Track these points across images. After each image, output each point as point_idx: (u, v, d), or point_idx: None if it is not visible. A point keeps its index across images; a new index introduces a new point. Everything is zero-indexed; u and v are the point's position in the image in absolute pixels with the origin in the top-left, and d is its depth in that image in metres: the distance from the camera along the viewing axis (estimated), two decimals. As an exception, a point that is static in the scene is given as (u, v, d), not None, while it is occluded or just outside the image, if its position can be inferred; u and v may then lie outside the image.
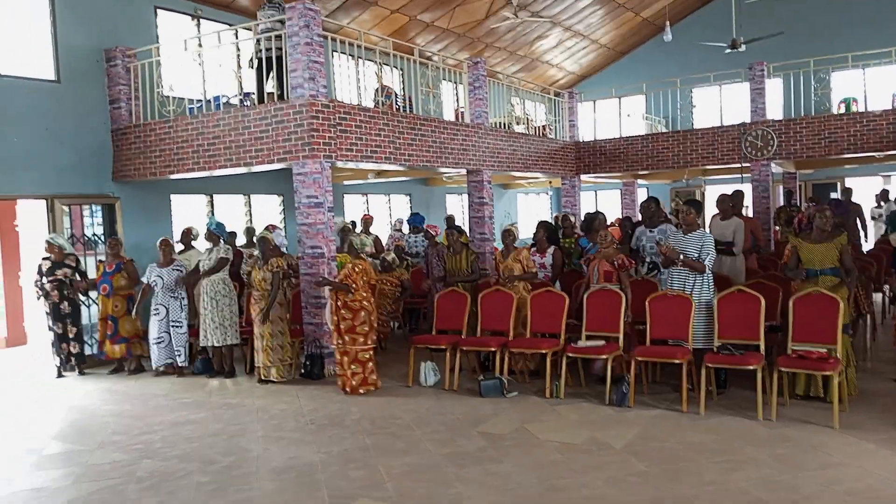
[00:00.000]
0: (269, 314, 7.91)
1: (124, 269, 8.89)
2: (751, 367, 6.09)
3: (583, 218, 12.45)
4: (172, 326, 8.60)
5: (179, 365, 8.64)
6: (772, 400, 6.02)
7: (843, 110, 14.76)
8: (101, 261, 9.24)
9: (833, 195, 18.25)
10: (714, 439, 5.58)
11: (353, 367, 7.42)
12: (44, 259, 8.82)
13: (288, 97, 8.58)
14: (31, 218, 10.68)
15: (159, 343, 8.65)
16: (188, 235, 9.00)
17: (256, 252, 8.50)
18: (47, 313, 8.77)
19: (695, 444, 5.50)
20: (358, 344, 7.41)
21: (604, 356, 6.76)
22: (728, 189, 10.53)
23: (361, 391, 7.40)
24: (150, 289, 8.64)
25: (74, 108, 9.75)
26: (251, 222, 12.40)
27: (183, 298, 8.67)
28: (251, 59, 9.60)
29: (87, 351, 9.19)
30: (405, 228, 12.77)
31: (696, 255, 6.70)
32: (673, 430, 5.84)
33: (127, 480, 5.25)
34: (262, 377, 8.01)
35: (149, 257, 9.27)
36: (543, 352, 7.11)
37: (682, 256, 6.68)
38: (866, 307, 8.12)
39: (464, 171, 11.89)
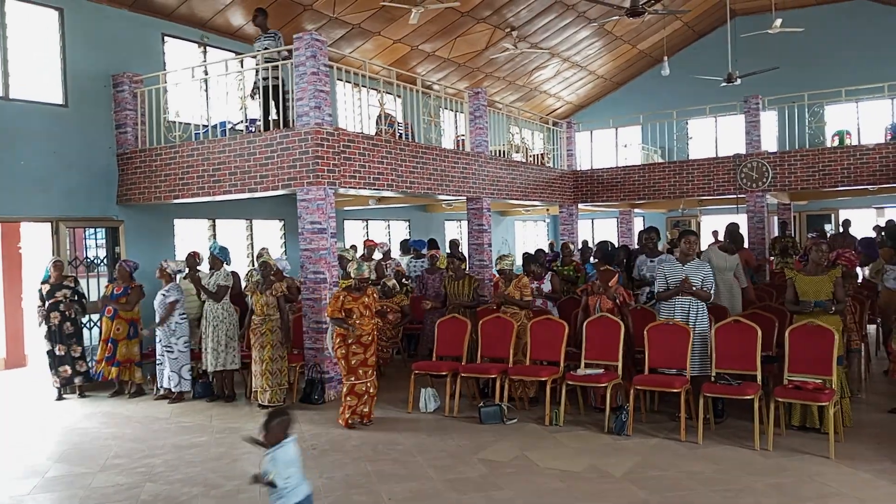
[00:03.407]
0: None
1: (131, 294, 8.96)
2: (748, 397, 6.19)
3: (584, 246, 12.58)
4: (165, 351, 8.65)
5: (172, 389, 8.64)
6: (768, 430, 6.10)
7: (836, 143, 15.01)
8: (108, 283, 9.31)
9: (827, 227, 18.48)
10: (712, 468, 5.66)
11: (349, 398, 7.18)
12: (42, 283, 8.87)
13: (292, 124, 8.73)
14: (33, 240, 10.77)
15: (159, 366, 8.73)
16: (193, 259, 9.09)
17: (257, 276, 8.58)
18: (46, 337, 8.80)
19: (694, 472, 5.58)
20: (368, 377, 7.23)
21: (603, 384, 6.84)
22: (724, 219, 10.69)
23: (350, 421, 7.16)
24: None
25: (81, 132, 9.89)
26: (252, 247, 12.50)
27: (171, 324, 8.61)
28: (253, 90, 9.79)
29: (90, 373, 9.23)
30: (396, 254, 12.84)
31: (700, 283, 6.86)
32: (672, 459, 5.91)
33: None
34: (260, 401, 8.05)
35: (149, 280, 9.34)
36: (543, 379, 7.19)
37: (693, 288, 6.82)
38: (860, 339, 8.21)
39: (463, 199, 12.04)
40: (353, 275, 7.31)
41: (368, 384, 7.21)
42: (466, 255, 12.49)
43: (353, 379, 7.13)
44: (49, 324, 8.74)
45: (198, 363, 8.98)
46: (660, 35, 18.97)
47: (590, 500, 5.06)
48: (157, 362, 8.74)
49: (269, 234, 13.04)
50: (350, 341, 7.10)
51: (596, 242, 10.91)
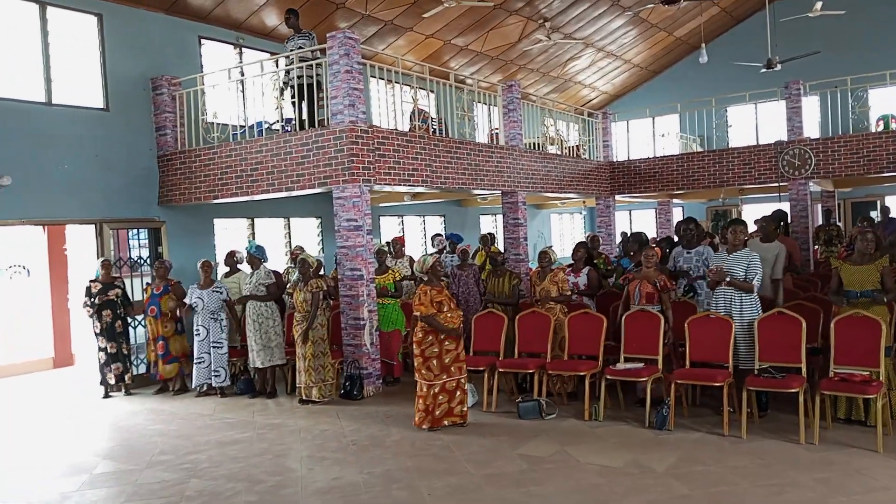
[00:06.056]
0: (308, 333, 8.01)
1: (172, 291, 9.12)
2: (792, 390, 6.07)
3: (620, 237, 12.44)
4: (213, 347, 8.80)
5: (217, 385, 8.80)
6: (814, 423, 5.99)
7: (881, 128, 14.60)
8: (148, 283, 9.50)
9: (872, 213, 18.01)
10: (756, 463, 5.57)
11: (440, 397, 6.88)
12: (92, 281, 9.09)
13: (328, 122, 8.80)
14: (78, 242, 11.04)
15: (199, 363, 8.87)
16: (232, 258, 9.23)
17: (297, 274, 8.67)
18: (97, 334, 9.02)
19: (737, 467, 5.50)
20: (463, 373, 7.00)
21: (643, 378, 6.77)
22: (766, 208, 10.44)
23: (446, 423, 6.91)
24: (190, 310, 8.87)
25: (122, 135, 10.09)
26: (290, 244, 12.64)
27: (223, 320, 8.86)
28: (282, 89, 9.88)
29: (135, 371, 9.44)
30: (432, 247, 12.76)
31: (743, 274, 6.72)
32: (715, 454, 5.83)
33: (178, 499, 5.40)
34: (304, 397, 8.15)
35: (192, 279, 9.49)
36: (582, 374, 7.15)
37: (728, 278, 6.70)
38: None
39: (498, 193, 12.00)
40: (417, 270, 7.12)
41: (463, 380, 6.98)
42: (502, 248, 12.42)
43: (445, 377, 6.84)
44: (102, 321, 8.96)
45: (240, 360, 9.15)
46: (696, 21, 18.62)
47: (631, 496, 5.02)
48: (199, 360, 8.87)
49: (307, 232, 13.17)
50: (442, 336, 6.82)
51: (631, 234, 10.73)
